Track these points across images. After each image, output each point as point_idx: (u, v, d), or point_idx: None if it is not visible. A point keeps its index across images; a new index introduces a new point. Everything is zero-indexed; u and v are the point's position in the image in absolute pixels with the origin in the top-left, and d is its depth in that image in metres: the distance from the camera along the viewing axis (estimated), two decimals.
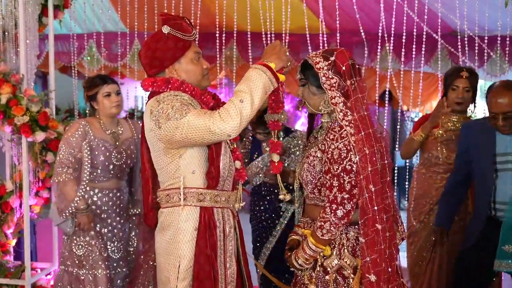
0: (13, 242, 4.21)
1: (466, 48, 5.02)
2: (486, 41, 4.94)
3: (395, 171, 5.33)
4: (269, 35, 5.04)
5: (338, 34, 4.78)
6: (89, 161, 3.53)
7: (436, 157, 3.96)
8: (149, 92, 2.66)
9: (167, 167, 2.58)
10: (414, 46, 4.89)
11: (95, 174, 3.59)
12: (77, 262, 3.60)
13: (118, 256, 3.72)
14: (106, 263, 3.59)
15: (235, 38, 5.69)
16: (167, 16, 2.68)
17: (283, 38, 5.28)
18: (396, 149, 5.09)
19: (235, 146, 2.77)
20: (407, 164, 5.04)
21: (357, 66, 2.57)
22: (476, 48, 4.85)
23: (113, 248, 3.70)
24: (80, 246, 3.60)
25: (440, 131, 3.93)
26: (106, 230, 3.67)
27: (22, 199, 4.10)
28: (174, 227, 2.58)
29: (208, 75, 2.76)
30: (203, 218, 2.57)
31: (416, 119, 9.44)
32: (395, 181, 5.25)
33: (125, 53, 6.35)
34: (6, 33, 4.00)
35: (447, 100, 3.87)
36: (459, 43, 5.00)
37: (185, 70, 2.64)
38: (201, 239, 2.56)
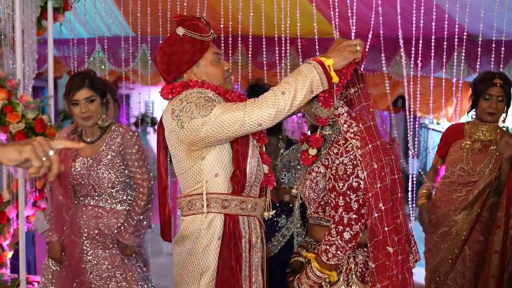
0: (9, 254, 4.04)
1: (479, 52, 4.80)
2: (503, 45, 4.72)
3: (413, 180, 5.19)
4: (276, 39, 4.88)
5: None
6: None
7: (461, 168, 3.65)
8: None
9: (188, 172, 2.38)
10: (433, 51, 4.66)
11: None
12: (50, 277, 3.34)
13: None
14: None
15: (239, 40, 5.54)
16: (181, 17, 2.49)
17: (296, 42, 5.17)
18: (410, 157, 4.95)
19: (263, 149, 2.55)
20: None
21: (360, 72, 2.36)
22: (493, 52, 4.67)
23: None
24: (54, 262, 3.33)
25: (468, 142, 3.64)
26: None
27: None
28: (195, 236, 2.38)
29: (231, 77, 2.58)
30: (228, 227, 2.36)
31: (430, 126, 9.26)
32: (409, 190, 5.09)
33: (133, 58, 6.25)
34: (3, 37, 3.84)
35: (477, 110, 3.64)
36: (479, 48, 4.78)
37: (206, 73, 2.45)
38: (225, 249, 2.35)
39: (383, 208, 2.22)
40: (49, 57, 4.23)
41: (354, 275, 2.30)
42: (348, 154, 2.27)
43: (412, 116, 5.03)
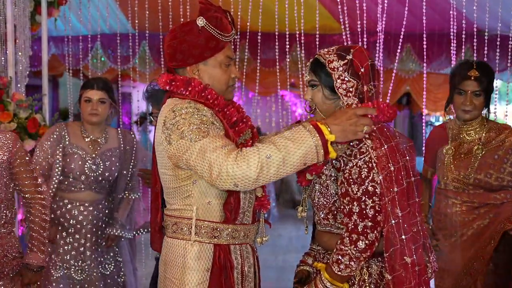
0: None
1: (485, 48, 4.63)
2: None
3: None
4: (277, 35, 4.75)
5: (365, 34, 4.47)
6: (59, 168, 3.22)
7: (454, 179, 3.12)
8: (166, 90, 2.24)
9: (176, 192, 2.17)
10: (445, 47, 4.49)
11: (66, 183, 3.27)
12: None
13: (80, 278, 3.32)
14: (54, 284, 3.23)
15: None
16: (206, 5, 2.22)
17: (297, 38, 5.05)
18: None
19: None
20: None
21: (376, 68, 2.17)
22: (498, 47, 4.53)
23: (76, 268, 3.31)
24: None
25: (452, 148, 3.12)
26: (70, 246, 3.31)
27: None
28: (181, 264, 2.16)
29: (234, 86, 2.33)
30: (218, 258, 2.15)
31: (436, 124, 9.14)
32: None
33: (133, 55, 6.16)
34: None
35: (453, 106, 3.10)
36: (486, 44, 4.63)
37: (210, 74, 2.22)
38: (215, 282, 2.13)
39: (400, 214, 2.05)
40: (43, 54, 4.12)
41: (367, 287, 2.14)
42: (363, 155, 2.08)
43: (419, 114, 4.92)
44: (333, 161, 2.16)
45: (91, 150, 3.32)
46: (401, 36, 4.32)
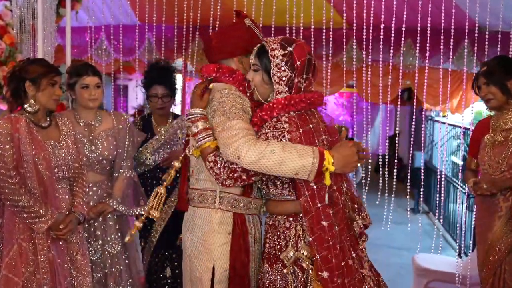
0: None
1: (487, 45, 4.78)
2: None
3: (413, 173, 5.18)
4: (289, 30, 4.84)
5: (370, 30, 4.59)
6: None
7: (487, 164, 3.42)
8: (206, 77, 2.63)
9: (204, 165, 2.53)
10: (442, 41, 4.62)
11: None
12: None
13: (95, 258, 3.48)
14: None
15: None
16: (243, 13, 2.71)
17: (300, 32, 5.17)
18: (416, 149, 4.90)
19: None
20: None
21: (313, 63, 2.45)
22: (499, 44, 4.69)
23: (89, 249, 3.43)
24: None
25: (491, 134, 3.44)
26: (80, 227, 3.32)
27: None
28: (207, 228, 2.56)
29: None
30: (237, 224, 2.56)
31: (436, 118, 9.16)
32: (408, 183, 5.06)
33: (139, 46, 6.21)
34: (23, 24, 3.84)
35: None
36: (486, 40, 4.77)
37: (245, 69, 2.64)
38: (235, 243, 2.55)
39: (314, 186, 2.35)
40: (67, 46, 4.24)
41: (302, 241, 2.42)
42: (276, 130, 2.38)
43: (420, 108, 5.01)
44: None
45: (87, 133, 3.46)
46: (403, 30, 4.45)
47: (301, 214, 2.41)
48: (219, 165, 2.38)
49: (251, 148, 2.25)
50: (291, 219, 2.47)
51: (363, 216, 2.56)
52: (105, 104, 11.31)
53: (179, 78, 4.52)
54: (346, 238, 2.43)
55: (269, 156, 2.24)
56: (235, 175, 2.37)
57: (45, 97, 2.98)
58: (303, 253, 2.40)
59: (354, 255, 2.44)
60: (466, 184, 3.73)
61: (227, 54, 2.64)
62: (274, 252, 2.48)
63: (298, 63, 2.38)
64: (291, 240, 2.44)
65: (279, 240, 2.48)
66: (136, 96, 7.18)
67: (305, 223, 2.38)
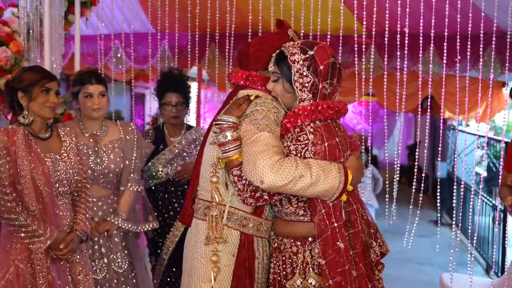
0: None
1: None
2: None
3: (437, 184, 5.06)
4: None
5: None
6: None
7: None
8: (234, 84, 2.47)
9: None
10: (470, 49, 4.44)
11: None
12: None
13: (100, 277, 3.30)
14: None
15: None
16: (285, 22, 2.55)
17: (318, 38, 5.03)
18: (438, 159, 4.81)
19: None
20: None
21: (338, 66, 2.25)
22: None
23: (94, 268, 3.26)
24: None
25: None
26: (84, 245, 3.15)
27: None
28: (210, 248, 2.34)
29: None
30: (243, 245, 2.34)
31: (460, 128, 8.95)
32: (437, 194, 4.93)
33: (153, 55, 6.13)
34: (31, 31, 3.74)
35: None
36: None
37: None
38: (239, 267, 2.31)
39: (331, 204, 2.18)
40: (76, 53, 4.13)
41: (311, 268, 2.23)
42: (299, 143, 2.21)
43: (441, 118, 4.87)
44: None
45: (92, 144, 3.29)
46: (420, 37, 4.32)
47: (310, 239, 2.24)
48: (243, 181, 2.20)
49: (278, 173, 2.07)
50: (299, 243, 2.28)
51: (380, 243, 2.37)
52: (123, 113, 11.26)
53: (193, 86, 4.40)
54: (368, 264, 2.26)
55: (296, 181, 2.09)
56: (257, 194, 2.21)
57: (38, 105, 2.80)
58: (310, 283, 2.21)
59: (370, 286, 2.25)
60: (503, 202, 3.54)
61: (264, 64, 2.41)
62: (279, 279, 2.30)
63: (321, 67, 2.20)
64: (298, 267, 2.25)
65: (284, 266, 2.30)
66: (150, 106, 7.08)
67: (315, 248, 2.22)
